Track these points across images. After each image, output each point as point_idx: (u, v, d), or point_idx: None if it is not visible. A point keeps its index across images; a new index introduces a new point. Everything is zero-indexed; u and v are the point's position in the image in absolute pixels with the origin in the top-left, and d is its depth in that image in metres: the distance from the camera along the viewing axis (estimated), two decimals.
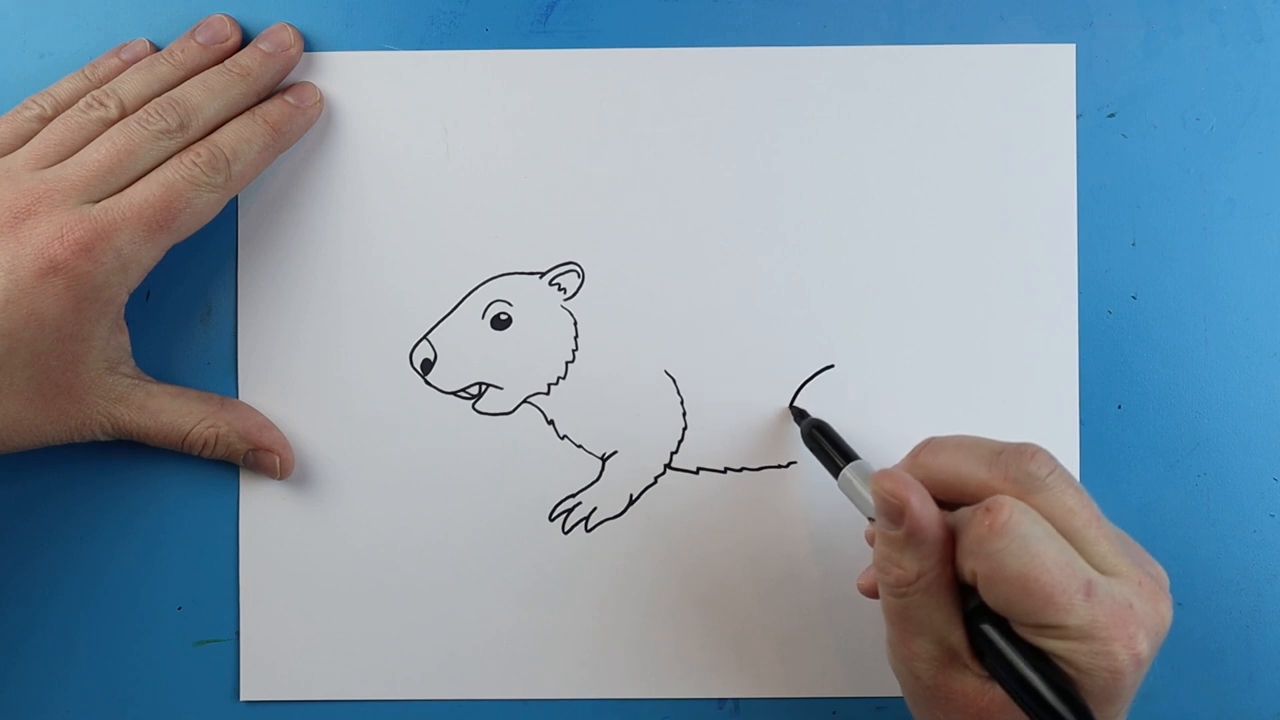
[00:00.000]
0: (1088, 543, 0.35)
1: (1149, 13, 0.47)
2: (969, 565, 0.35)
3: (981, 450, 0.37)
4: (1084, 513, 0.36)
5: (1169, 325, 0.47)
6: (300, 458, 0.47)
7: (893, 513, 0.36)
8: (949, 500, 0.37)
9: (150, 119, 0.43)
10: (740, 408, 0.47)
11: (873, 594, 0.40)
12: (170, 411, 0.44)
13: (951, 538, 0.36)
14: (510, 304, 0.47)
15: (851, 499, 0.42)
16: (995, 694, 0.36)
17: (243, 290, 0.47)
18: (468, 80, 0.47)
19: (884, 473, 0.36)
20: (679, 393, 0.47)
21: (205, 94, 0.44)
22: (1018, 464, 0.36)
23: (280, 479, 0.46)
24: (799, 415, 0.46)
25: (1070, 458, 0.46)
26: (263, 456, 0.46)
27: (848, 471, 0.42)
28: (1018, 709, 0.35)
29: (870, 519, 0.40)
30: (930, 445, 0.38)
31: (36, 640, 0.47)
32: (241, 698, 0.47)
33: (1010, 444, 0.37)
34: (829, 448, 0.43)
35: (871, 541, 0.40)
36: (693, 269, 0.47)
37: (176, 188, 0.42)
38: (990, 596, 0.35)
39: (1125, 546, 0.37)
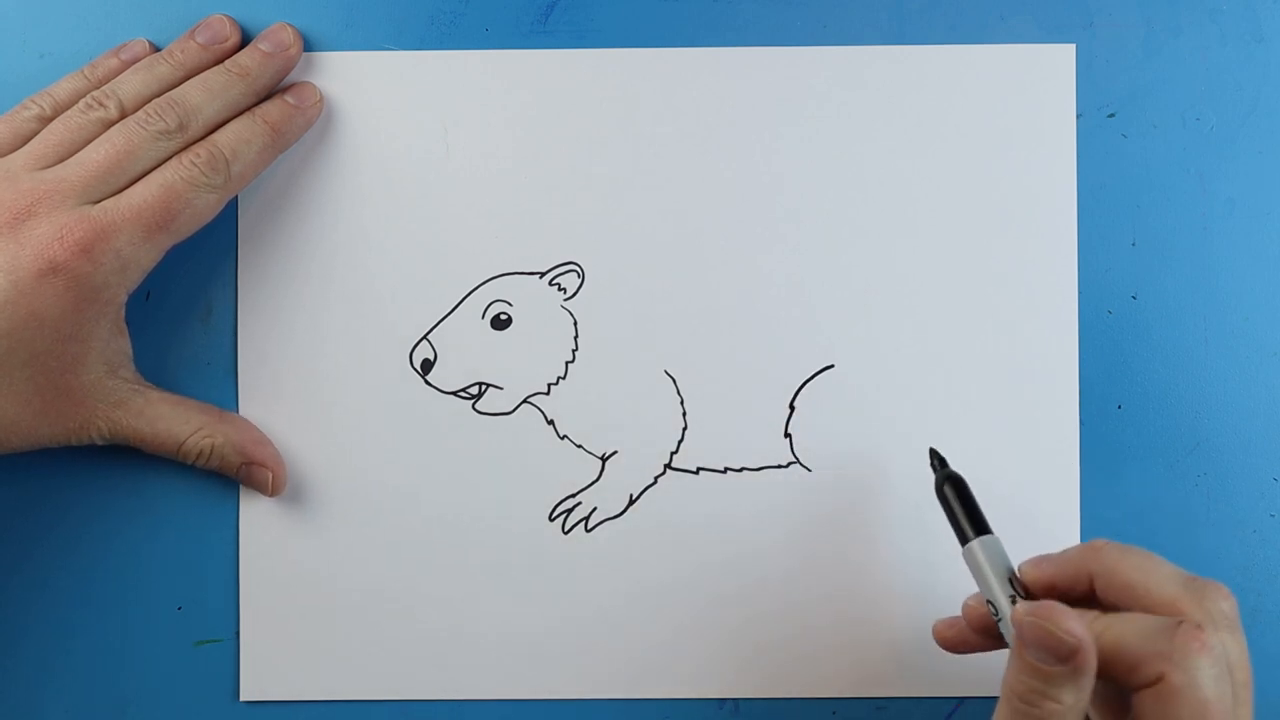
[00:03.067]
0: (1240, 703, 0.35)
1: (1149, 13, 0.47)
2: (1157, 668, 0.35)
3: (1171, 569, 0.37)
4: (1246, 670, 0.36)
5: (1169, 325, 0.47)
6: (299, 457, 0.47)
7: (1062, 652, 0.35)
8: (1114, 603, 0.37)
9: (150, 119, 0.43)
10: (740, 408, 0.47)
11: (952, 646, 0.41)
12: (168, 419, 0.44)
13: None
14: (510, 304, 0.47)
15: (972, 571, 0.40)
16: None
17: (243, 290, 0.47)
18: (468, 80, 0.47)
19: (1053, 609, 0.35)
20: (679, 393, 0.47)
21: (205, 94, 0.44)
22: (1214, 598, 0.36)
23: (271, 495, 0.46)
24: (938, 462, 0.43)
25: (1070, 458, 0.46)
26: (255, 471, 0.46)
27: (976, 546, 0.40)
28: None
29: (987, 603, 0.39)
30: (1109, 545, 0.38)
31: (36, 640, 0.47)
32: (241, 698, 0.47)
33: (1199, 576, 0.37)
34: (961, 512, 0.41)
35: (970, 616, 0.41)
36: (693, 269, 0.47)
37: (176, 188, 0.42)
38: (1157, 708, 0.35)
39: None
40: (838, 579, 0.47)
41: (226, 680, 0.47)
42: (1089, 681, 0.35)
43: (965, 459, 0.46)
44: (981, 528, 0.40)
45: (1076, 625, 0.35)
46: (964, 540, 0.41)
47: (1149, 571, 0.37)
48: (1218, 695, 0.34)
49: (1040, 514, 0.46)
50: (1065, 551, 0.39)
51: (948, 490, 0.42)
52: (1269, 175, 0.47)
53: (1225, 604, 0.36)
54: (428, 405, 0.47)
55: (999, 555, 0.40)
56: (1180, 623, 0.35)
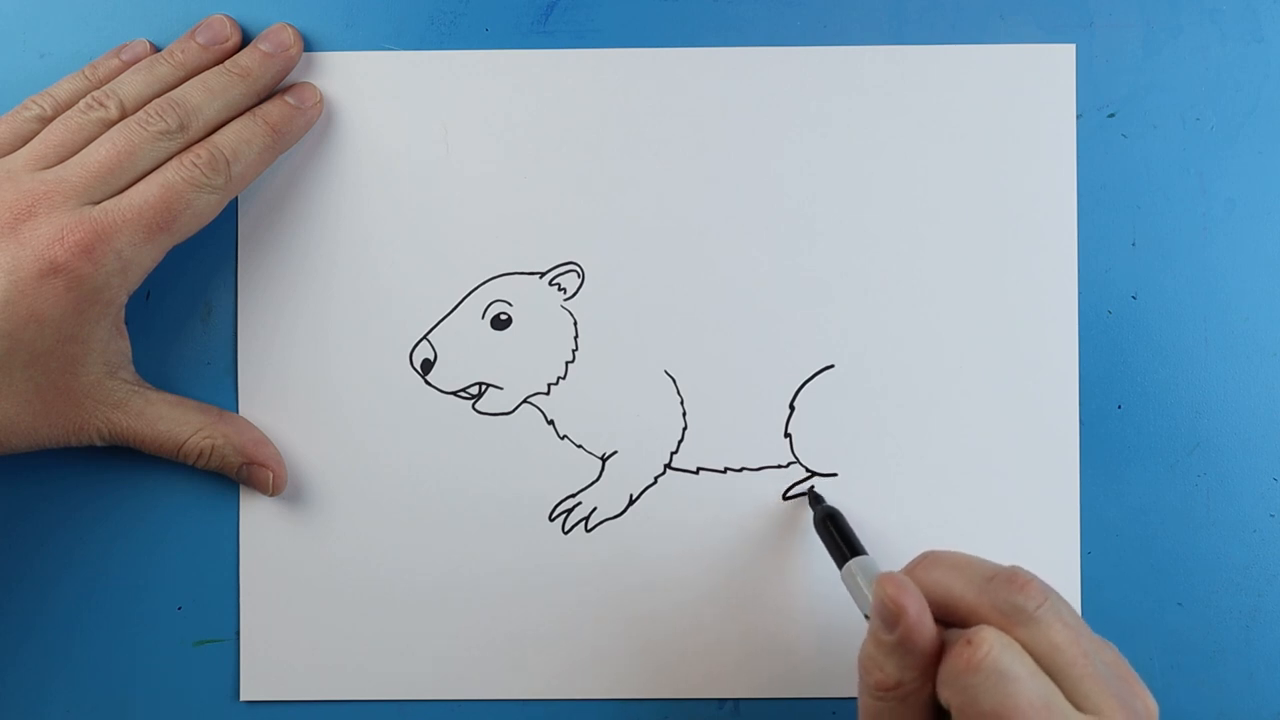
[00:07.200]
0: (1071, 681, 0.35)
1: (1149, 13, 0.47)
2: (945, 694, 0.35)
3: (974, 573, 0.37)
4: (1070, 650, 0.35)
5: (1169, 325, 0.47)
6: (300, 457, 0.47)
7: (889, 617, 0.36)
8: (941, 619, 0.37)
9: (150, 120, 0.43)
10: (740, 408, 0.47)
11: None
12: (168, 420, 0.44)
13: (940, 656, 0.36)
14: (510, 304, 0.47)
15: (851, 593, 0.41)
16: None
17: (243, 290, 0.47)
18: (468, 80, 0.47)
19: (888, 576, 0.36)
20: (679, 393, 0.47)
21: (205, 95, 0.44)
22: (1007, 594, 0.36)
23: (272, 495, 0.46)
24: (814, 500, 0.46)
25: (1070, 458, 0.46)
26: (256, 471, 0.46)
27: (852, 565, 0.41)
28: None
29: (866, 616, 0.39)
30: (927, 560, 0.38)
31: (37, 640, 0.47)
32: (241, 698, 0.47)
33: (1004, 570, 0.36)
34: (838, 539, 0.43)
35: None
36: (693, 269, 0.47)
37: (176, 189, 0.42)
38: None
39: (1116, 682, 0.36)
40: (837, 579, 0.46)
41: (226, 680, 0.47)
42: (916, 662, 0.35)
43: (965, 459, 0.46)
44: (857, 550, 0.42)
45: (904, 597, 0.35)
46: (841, 562, 0.42)
47: (949, 586, 0.37)
48: (1005, 702, 0.34)
49: (1040, 514, 0.46)
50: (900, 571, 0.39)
51: (827, 523, 0.44)
52: (1269, 175, 0.47)
53: (1020, 596, 0.35)
54: (428, 405, 0.47)
55: (875, 572, 0.41)
56: (962, 641, 0.35)
